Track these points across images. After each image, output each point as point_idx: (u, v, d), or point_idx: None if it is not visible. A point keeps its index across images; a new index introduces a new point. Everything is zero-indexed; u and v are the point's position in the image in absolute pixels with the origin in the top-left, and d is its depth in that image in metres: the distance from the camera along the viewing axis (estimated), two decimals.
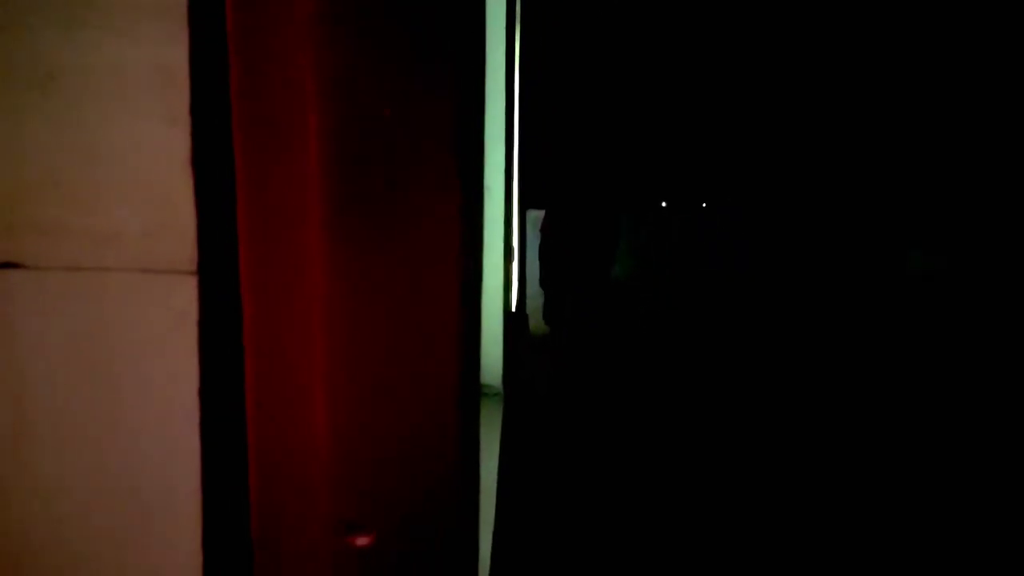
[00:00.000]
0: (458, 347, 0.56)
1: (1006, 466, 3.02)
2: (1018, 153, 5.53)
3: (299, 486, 0.50)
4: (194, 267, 0.52)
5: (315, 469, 0.49)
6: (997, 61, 5.51)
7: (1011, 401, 3.78)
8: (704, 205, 6.69)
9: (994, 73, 5.53)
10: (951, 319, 5.26)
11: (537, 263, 4.77)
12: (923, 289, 5.52)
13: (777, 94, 6.03)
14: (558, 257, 4.62)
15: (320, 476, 0.49)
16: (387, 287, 0.52)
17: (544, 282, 4.72)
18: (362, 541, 0.51)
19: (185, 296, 0.53)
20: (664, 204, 6.77)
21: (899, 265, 5.67)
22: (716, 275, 6.03)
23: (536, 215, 4.86)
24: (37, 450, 0.54)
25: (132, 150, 0.51)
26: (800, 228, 5.99)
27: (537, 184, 4.99)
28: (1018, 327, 4.87)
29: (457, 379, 0.60)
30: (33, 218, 0.52)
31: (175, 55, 0.51)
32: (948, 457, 3.13)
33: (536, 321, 4.77)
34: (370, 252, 0.51)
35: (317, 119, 0.48)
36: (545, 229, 4.67)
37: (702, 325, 5.48)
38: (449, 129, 0.58)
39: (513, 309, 3.68)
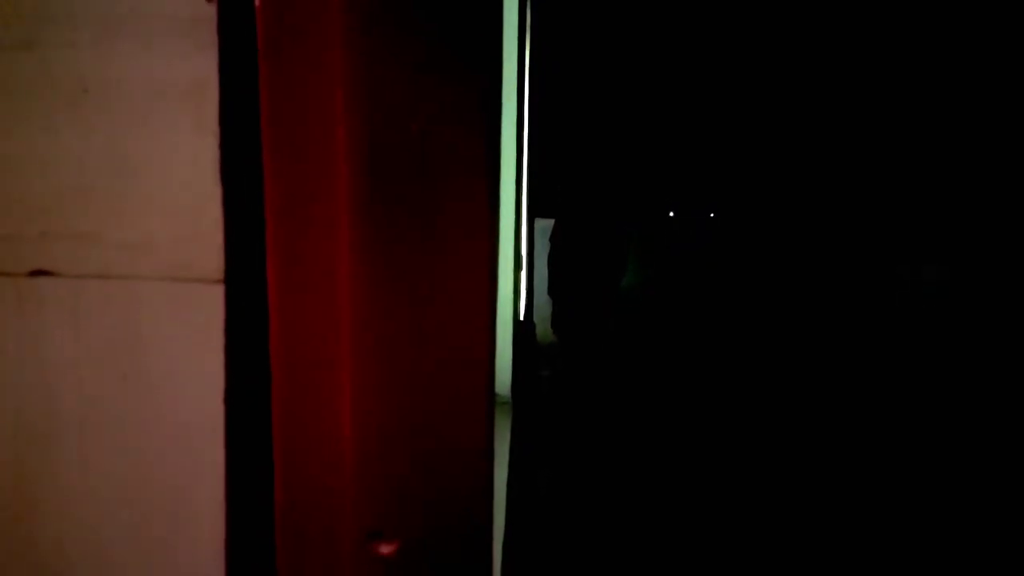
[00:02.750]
0: (484, 356, 0.57)
1: (1013, 476, 3.00)
2: (1020, 160, 5.50)
3: (324, 494, 0.50)
4: (221, 276, 0.53)
5: (341, 477, 0.50)
6: (998, 68, 5.50)
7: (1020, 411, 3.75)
8: (712, 215, 6.68)
9: (995, 81, 5.52)
10: (963, 331, 5.23)
11: (545, 272, 4.78)
12: (934, 301, 5.49)
13: (786, 105, 6.03)
14: (568, 266, 4.62)
15: (346, 484, 0.50)
16: (414, 295, 0.53)
17: (553, 291, 4.72)
18: (387, 549, 0.51)
19: (212, 304, 0.53)
20: (672, 214, 6.77)
21: (911, 278, 5.64)
22: (724, 284, 6.02)
23: (544, 224, 4.86)
24: (65, 454, 0.54)
25: (163, 160, 0.52)
26: (809, 239, 5.98)
27: (545, 193, 5.00)
28: None
29: (482, 386, 0.61)
30: (65, 227, 0.53)
31: (205, 67, 0.51)
32: (960, 471, 3.11)
33: (544, 330, 4.77)
34: (397, 261, 0.51)
35: (346, 131, 0.49)
36: (555, 238, 4.67)
37: (710, 334, 5.47)
38: (475, 137, 0.59)
39: (521, 318, 3.68)
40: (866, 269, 5.80)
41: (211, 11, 0.51)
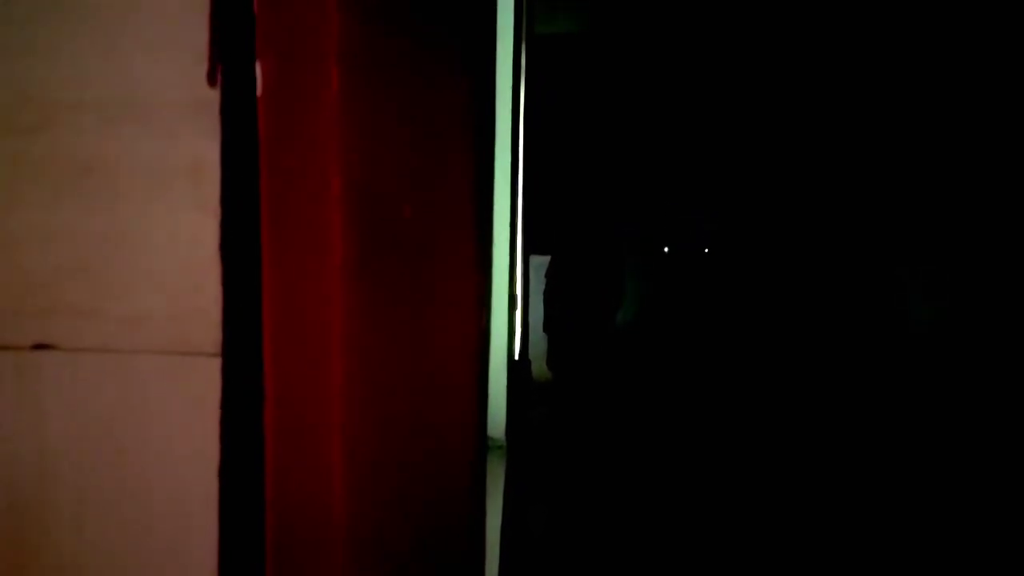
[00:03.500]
0: (472, 427, 0.58)
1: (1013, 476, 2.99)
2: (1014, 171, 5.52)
3: (316, 569, 0.51)
4: (219, 349, 0.54)
5: (333, 553, 0.51)
6: (993, 90, 5.57)
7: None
8: (706, 251, 6.73)
9: (993, 87, 5.56)
10: (964, 333, 5.16)
11: (540, 309, 4.80)
12: (931, 344, 5.42)
13: (778, 142, 6.12)
14: (563, 302, 4.64)
15: (337, 560, 0.51)
16: (408, 370, 0.54)
17: (548, 327, 4.73)
18: None
19: (209, 377, 0.54)
20: (667, 249, 6.81)
21: (901, 319, 5.60)
22: (720, 319, 6.04)
23: (540, 261, 4.89)
24: (61, 525, 0.55)
25: (163, 238, 0.54)
26: (806, 271, 6.01)
27: (540, 230, 5.04)
28: None
29: (470, 447, 0.62)
30: (66, 302, 0.54)
31: (208, 149, 0.53)
32: (966, 474, 3.10)
33: (539, 367, 4.77)
34: (391, 338, 0.53)
35: (341, 214, 0.51)
36: (550, 275, 4.70)
37: (707, 369, 5.47)
38: (467, 212, 0.61)
39: (516, 356, 3.69)
40: (865, 276, 5.76)
41: (214, 96, 0.53)
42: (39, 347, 0.55)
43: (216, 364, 0.54)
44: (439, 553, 0.63)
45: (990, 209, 5.63)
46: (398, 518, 0.54)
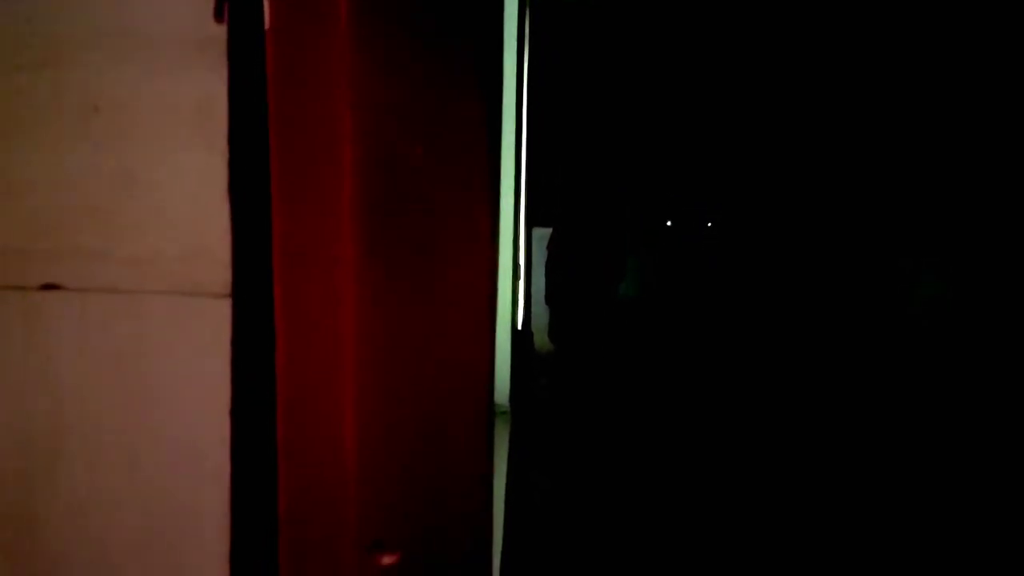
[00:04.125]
0: (483, 372, 0.58)
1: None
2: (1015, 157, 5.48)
3: (327, 506, 0.51)
4: (228, 290, 0.54)
5: (344, 489, 0.51)
6: (993, 72, 5.51)
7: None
8: (709, 224, 6.71)
9: (995, 81, 5.51)
10: (967, 328, 5.16)
11: (542, 280, 4.80)
12: (933, 323, 5.40)
13: (781, 113, 6.07)
14: (565, 275, 4.64)
15: (348, 496, 0.51)
16: (418, 310, 0.54)
17: (550, 299, 4.73)
18: (388, 560, 0.52)
19: (219, 318, 0.54)
20: (669, 223, 6.79)
21: (902, 297, 5.58)
22: (722, 292, 6.04)
23: (543, 233, 4.88)
24: (72, 465, 0.55)
25: (171, 178, 0.53)
26: (809, 245, 6.00)
27: (543, 202, 5.02)
28: None
29: (481, 402, 0.62)
30: (74, 242, 0.54)
31: (215, 87, 0.53)
32: (966, 472, 3.12)
33: (541, 338, 4.78)
34: (401, 276, 0.52)
35: (352, 151, 0.50)
36: (553, 246, 4.69)
37: (708, 342, 5.49)
38: (477, 157, 0.60)
39: (519, 326, 3.69)
40: (868, 266, 5.75)
41: (221, 32, 0.52)
42: (47, 287, 0.54)
43: (226, 305, 0.54)
44: (447, 507, 0.63)
45: (995, 201, 5.59)
46: (408, 454, 0.54)
